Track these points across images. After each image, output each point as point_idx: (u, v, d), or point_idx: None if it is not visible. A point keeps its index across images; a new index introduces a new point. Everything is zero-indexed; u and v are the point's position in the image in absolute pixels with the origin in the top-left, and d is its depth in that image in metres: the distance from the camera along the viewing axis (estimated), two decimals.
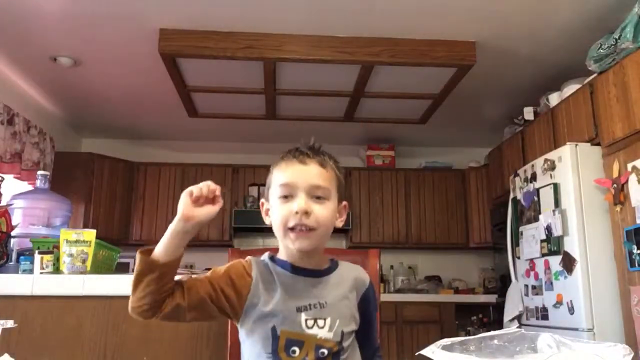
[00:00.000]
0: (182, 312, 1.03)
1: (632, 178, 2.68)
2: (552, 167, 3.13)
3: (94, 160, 4.75)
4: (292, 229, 1.07)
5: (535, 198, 3.27)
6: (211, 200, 1.03)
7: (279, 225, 1.09)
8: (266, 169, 4.36)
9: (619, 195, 2.76)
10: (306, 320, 1.06)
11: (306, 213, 1.06)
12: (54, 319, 1.59)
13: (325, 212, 1.09)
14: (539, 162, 3.28)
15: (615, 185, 2.80)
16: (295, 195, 1.08)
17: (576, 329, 2.83)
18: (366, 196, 5.07)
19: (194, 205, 1.03)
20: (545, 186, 3.18)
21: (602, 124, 2.96)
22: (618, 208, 2.78)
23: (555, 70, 3.69)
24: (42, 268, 1.74)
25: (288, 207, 1.07)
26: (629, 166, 2.71)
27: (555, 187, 3.07)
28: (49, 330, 1.57)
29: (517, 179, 3.59)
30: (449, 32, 3.26)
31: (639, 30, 2.70)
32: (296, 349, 1.04)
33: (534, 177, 3.33)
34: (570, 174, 2.98)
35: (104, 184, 4.75)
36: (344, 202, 1.17)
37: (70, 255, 1.74)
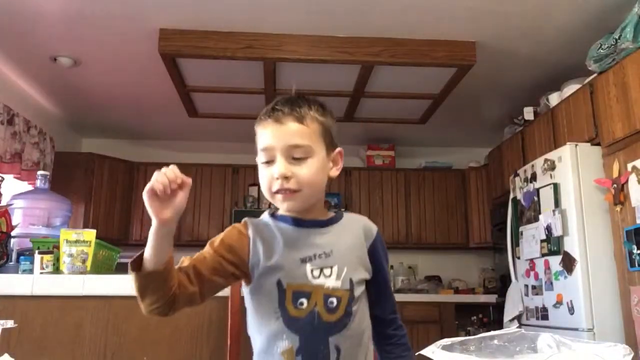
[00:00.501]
0: (196, 298, 1.01)
1: (632, 178, 2.68)
2: (552, 167, 3.13)
3: (94, 160, 4.74)
4: (276, 192, 1.05)
5: (535, 198, 3.27)
6: (178, 185, 0.97)
7: (264, 190, 1.08)
8: None
9: (619, 195, 2.76)
10: (312, 270, 1.04)
11: (286, 178, 1.03)
12: (54, 319, 1.59)
13: (308, 171, 1.05)
14: (539, 162, 3.28)
15: (615, 185, 2.80)
16: (274, 158, 1.05)
17: (576, 329, 2.83)
18: (366, 196, 5.07)
19: (162, 202, 0.95)
20: (545, 186, 3.18)
21: (602, 124, 2.96)
22: (618, 208, 2.78)
23: (555, 70, 3.69)
24: (42, 268, 1.74)
25: (270, 172, 1.05)
26: (629, 166, 2.71)
27: (555, 187, 3.07)
28: (49, 330, 1.57)
29: (517, 179, 3.59)
30: (449, 32, 3.26)
31: (639, 30, 2.70)
32: (304, 300, 1.02)
33: (534, 177, 3.33)
34: (570, 174, 2.98)
35: (104, 184, 4.75)
36: (338, 149, 1.13)
37: (70, 255, 1.74)
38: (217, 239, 1.07)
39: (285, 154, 1.04)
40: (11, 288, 1.61)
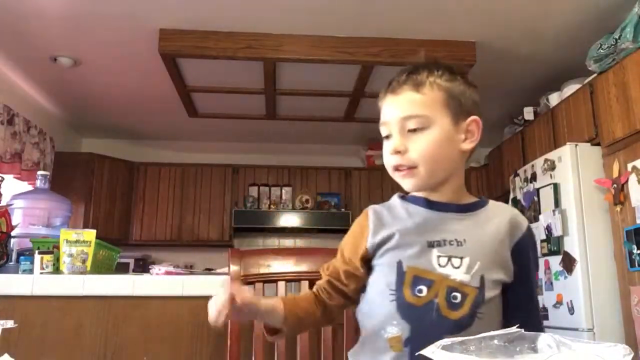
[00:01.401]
0: (346, 304, 1.02)
1: (632, 178, 2.68)
2: (552, 167, 3.13)
3: (94, 160, 4.75)
4: (394, 169, 0.98)
5: (535, 198, 3.27)
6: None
7: (387, 166, 1.00)
8: (266, 169, 4.40)
9: (619, 195, 2.76)
10: (438, 257, 0.93)
11: (398, 152, 0.95)
12: (54, 319, 1.59)
13: (425, 145, 0.94)
14: (539, 162, 3.28)
15: (615, 185, 2.80)
16: (391, 133, 0.98)
17: (576, 329, 2.83)
18: (366, 196, 5.07)
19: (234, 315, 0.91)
20: (545, 186, 3.18)
21: (602, 124, 2.96)
22: (618, 208, 2.78)
23: (555, 70, 3.69)
24: (42, 268, 1.74)
25: (387, 148, 0.99)
26: (629, 166, 2.71)
27: (555, 187, 3.07)
28: (49, 330, 1.57)
29: (517, 179, 3.59)
30: (449, 32, 3.26)
31: (639, 31, 2.70)
32: (423, 288, 0.91)
33: (534, 177, 3.33)
34: (570, 174, 2.98)
35: (104, 184, 4.75)
36: (472, 117, 0.98)
37: (70, 255, 1.74)
38: (345, 244, 1.04)
39: (400, 126, 0.96)
40: (11, 288, 1.61)
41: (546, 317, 3.14)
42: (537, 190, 3.26)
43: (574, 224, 2.92)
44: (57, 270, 1.81)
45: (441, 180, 0.97)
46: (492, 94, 4.18)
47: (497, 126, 4.61)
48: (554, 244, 3.04)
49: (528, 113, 3.91)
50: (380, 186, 5.10)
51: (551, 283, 3.09)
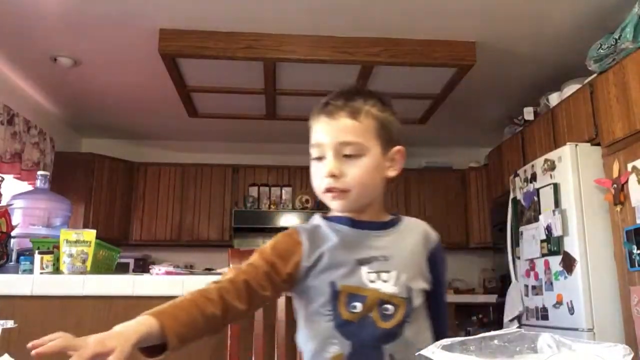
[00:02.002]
0: (244, 315, 0.97)
1: (632, 178, 2.68)
2: (552, 167, 3.13)
3: (94, 160, 4.75)
4: (326, 191, 1.00)
5: (535, 198, 3.27)
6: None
7: (316, 189, 1.03)
8: (267, 169, 4.40)
9: (619, 195, 2.76)
10: (368, 273, 0.97)
11: (334, 176, 0.98)
12: (54, 319, 1.59)
13: (359, 171, 0.98)
14: (539, 162, 3.28)
15: (615, 185, 2.80)
16: (324, 155, 1.00)
17: (576, 329, 2.83)
18: None
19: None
20: (545, 186, 3.17)
21: (602, 124, 2.96)
22: (618, 208, 2.78)
23: (555, 70, 3.69)
24: (42, 268, 1.74)
25: (320, 170, 1.00)
26: (629, 166, 2.71)
27: (555, 187, 3.07)
28: (49, 330, 1.57)
29: (517, 179, 3.59)
30: (449, 32, 3.26)
31: (639, 31, 2.70)
32: (357, 304, 0.95)
33: (534, 177, 3.33)
34: (570, 174, 2.98)
35: (104, 184, 4.75)
36: (397, 147, 1.04)
37: (70, 255, 1.74)
38: (268, 249, 1.00)
39: (335, 151, 0.99)
40: (11, 288, 1.61)
41: (546, 317, 3.14)
42: (537, 190, 3.26)
43: (574, 224, 2.92)
44: (57, 270, 1.81)
45: (366, 203, 1.03)
46: (492, 94, 4.18)
47: (497, 126, 4.62)
48: (554, 244, 3.04)
49: (528, 113, 3.91)
50: None
51: (551, 283, 3.09)
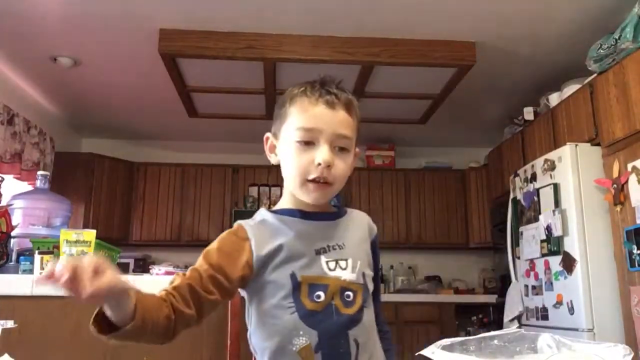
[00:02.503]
0: (194, 321, 0.92)
1: (632, 178, 2.68)
2: (552, 167, 3.13)
3: (94, 160, 4.75)
4: (312, 180, 0.98)
5: (535, 198, 3.27)
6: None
7: (295, 174, 0.99)
8: (266, 169, 4.39)
9: (619, 195, 2.76)
10: (327, 262, 0.98)
11: (328, 166, 0.97)
12: (54, 319, 1.59)
13: (345, 167, 1.00)
14: (539, 162, 3.28)
15: (615, 185, 2.80)
16: (317, 142, 0.98)
17: (576, 329, 2.83)
18: (366, 196, 5.07)
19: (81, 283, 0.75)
20: (545, 186, 3.18)
21: (602, 124, 2.96)
22: (618, 208, 2.78)
23: (555, 70, 3.69)
24: (42, 268, 1.74)
25: (308, 156, 0.98)
26: (629, 166, 2.71)
27: (555, 187, 3.07)
28: (49, 330, 1.57)
29: (517, 179, 3.59)
30: (449, 32, 3.26)
31: (639, 31, 2.70)
32: (320, 293, 0.95)
33: (534, 177, 3.33)
34: (570, 174, 2.98)
35: (104, 184, 4.75)
36: (357, 149, 1.06)
37: (70, 255, 1.74)
38: (213, 251, 0.98)
39: (330, 141, 0.98)
40: (11, 288, 1.61)
41: (546, 317, 3.14)
42: (537, 190, 3.26)
43: (574, 224, 2.92)
44: None
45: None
46: (492, 94, 4.18)
47: (497, 126, 4.62)
48: (554, 244, 3.04)
49: (528, 113, 3.91)
50: (380, 186, 5.10)
51: (551, 283, 3.09)
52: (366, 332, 0.98)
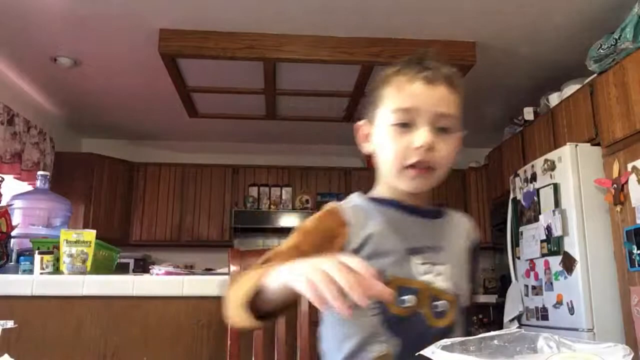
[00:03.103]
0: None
1: (632, 178, 2.68)
2: (552, 167, 3.13)
3: (94, 160, 4.75)
4: (410, 166, 0.87)
5: (535, 198, 3.27)
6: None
7: (392, 160, 0.89)
8: (266, 169, 4.39)
9: (619, 195, 2.76)
10: (419, 264, 0.87)
11: (429, 149, 0.86)
12: (54, 320, 1.59)
13: (449, 149, 0.89)
14: (538, 163, 3.28)
15: (615, 185, 2.80)
16: (415, 123, 0.87)
17: (576, 329, 2.83)
18: None
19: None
20: (545, 186, 3.17)
21: (602, 124, 2.96)
22: (618, 208, 2.78)
23: (555, 71, 3.69)
24: (42, 268, 1.74)
25: (406, 139, 0.87)
26: (629, 166, 2.71)
27: (555, 187, 3.07)
28: (49, 330, 1.57)
29: (517, 179, 3.59)
30: (450, 33, 3.26)
31: (639, 31, 2.70)
32: (408, 298, 0.84)
33: (533, 178, 3.33)
34: (570, 174, 2.98)
35: (104, 185, 4.75)
36: (460, 133, 0.95)
37: (70, 255, 1.74)
38: (311, 231, 0.88)
39: (431, 121, 0.87)
40: (11, 288, 1.61)
41: (546, 317, 3.14)
42: (537, 190, 3.26)
43: (574, 224, 2.92)
44: (57, 270, 1.81)
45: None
46: (492, 94, 4.18)
47: (497, 126, 4.62)
48: (554, 244, 3.04)
49: (528, 113, 3.91)
50: None
51: (551, 283, 3.09)
52: None
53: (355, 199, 0.95)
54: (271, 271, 0.74)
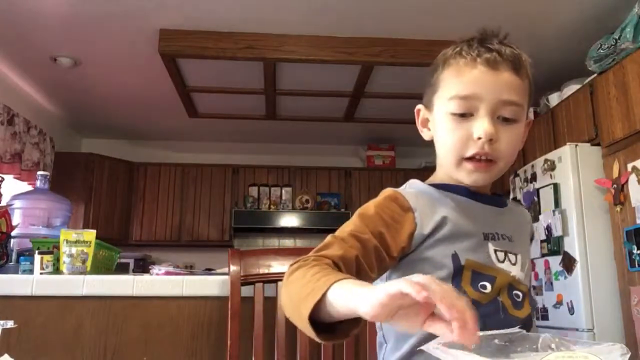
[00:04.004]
0: None
1: (632, 178, 2.68)
2: (552, 167, 3.13)
3: (94, 160, 4.75)
4: (469, 158, 0.82)
5: (535, 198, 3.27)
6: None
7: (450, 151, 0.84)
8: (266, 169, 4.39)
9: (619, 195, 2.76)
10: (495, 251, 0.83)
11: (490, 140, 0.80)
12: (54, 320, 1.59)
13: (513, 140, 0.83)
14: (539, 163, 3.28)
15: (615, 185, 2.80)
16: (476, 112, 0.81)
17: (576, 329, 2.83)
18: (366, 196, 5.06)
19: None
20: (545, 186, 3.17)
21: (602, 124, 2.96)
22: (618, 208, 2.78)
23: (555, 70, 3.69)
24: (42, 268, 1.74)
25: (465, 130, 0.81)
26: (629, 166, 2.71)
27: (555, 187, 3.07)
28: (49, 330, 1.57)
29: (517, 179, 3.59)
30: (450, 32, 3.25)
31: (639, 31, 2.70)
32: (486, 284, 0.80)
33: (534, 178, 3.33)
34: (570, 174, 2.98)
35: (104, 184, 4.76)
36: (530, 119, 0.90)
37: (70, 255, 1.74)
38: (372, 216, 0.79)
39: (492, 110, 0.81)
40: (11, 288, 1.61)
41: (546, 317, 3.14)
42: (537, 190, 3.25)
43: (574, 224, 2.92)
44: (57, 270, 1.81)
45: None
46: None
47: None
48: (554, 244, 3.04)
49: (528, 113, 3.91)
50: (380, 186, 5.07)
51: (551, 283, 3.09)
52: None
53: (417, 185, 0.89)
54: (338, 283, 0.62)
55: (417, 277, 0.55)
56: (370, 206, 0.83)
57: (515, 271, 0.83)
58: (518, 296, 0.82)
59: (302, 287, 0.65)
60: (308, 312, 0.62)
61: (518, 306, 0.82)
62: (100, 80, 3.95)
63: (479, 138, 0.80)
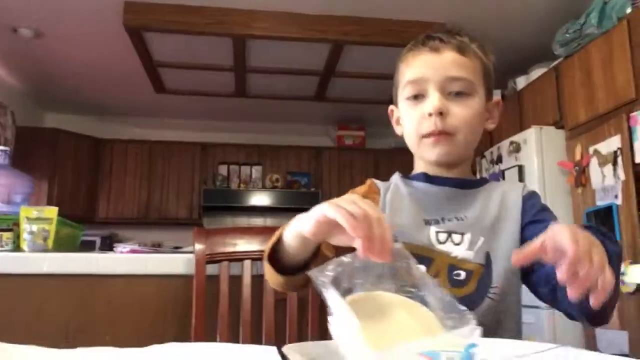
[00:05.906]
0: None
1: (593, 161, 2.75)
2: (518, 149, 3.19)
3: (58, 136, 4.63)
4: (427, 135, 0.87)
5: (501, 179, 3.34)
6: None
7: (411, 133, 0.90)
8: (235, 148, 4.35)
9: (581, 177, 2.84)
10: (437, 233, 0.87)
11: (440, 114, 0.85)
12: (15, 298, 1.56)
13: (467, 112, 0.87)
14: (504, 144, 3.34)
15: (577, 167, 2.87)
16: (426, 93, 0.88)
17: (537, 307, 2.92)
18: (336, 176, 5.09)
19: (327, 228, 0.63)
20: (510, 168, 3.24)
21: (567, 108, 3.02)
22: (579, 190, 2.86)
23: (522, 54, 3.73)
24: (1, 246, 1.70)
25: (420, 110, 0.87)
26: (591, 150, 2.78)
27: (520, 169, 3.13)
28: (10, 310, 1.54)
29: (483, 160, 3.65)
30: (420, 14, 3.25)
31: (604, 16, 2.74)
32: (423, 267, 0.79)
33: (499, 159, 3.39)
34: (534, 157, 3.04)
35: (69, 161, 4.64)
36: (496, 98, 0.98)
37: (31, 232, 1.70)
38: (347, 194, 0.79)
39: (440, 87, 0.87)
40: None
41: None
42: (503, 172, 3.32)
43: None
44: (17, 248, 1.77)
45: (465, 156, 0.93)
46: None
47: None
48: None
49: (495, 95, 3.95)
50: (350, 166, 5.12)
51: None
52: (484, 318, 0.76)
53: (394, 178, 0.98)
54: (289, 223, 0.71)
55: (343, 199, 0.62)
56: (354, 191, 0.93)
57: (459, 251, 0.86)
58: (459, 275, 0.85)
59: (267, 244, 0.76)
60: (267, 253, 0.74)
61: (458, 285, 0.85)
62: (63, 53, 3.82)
63: (430, 114, 0.86)
